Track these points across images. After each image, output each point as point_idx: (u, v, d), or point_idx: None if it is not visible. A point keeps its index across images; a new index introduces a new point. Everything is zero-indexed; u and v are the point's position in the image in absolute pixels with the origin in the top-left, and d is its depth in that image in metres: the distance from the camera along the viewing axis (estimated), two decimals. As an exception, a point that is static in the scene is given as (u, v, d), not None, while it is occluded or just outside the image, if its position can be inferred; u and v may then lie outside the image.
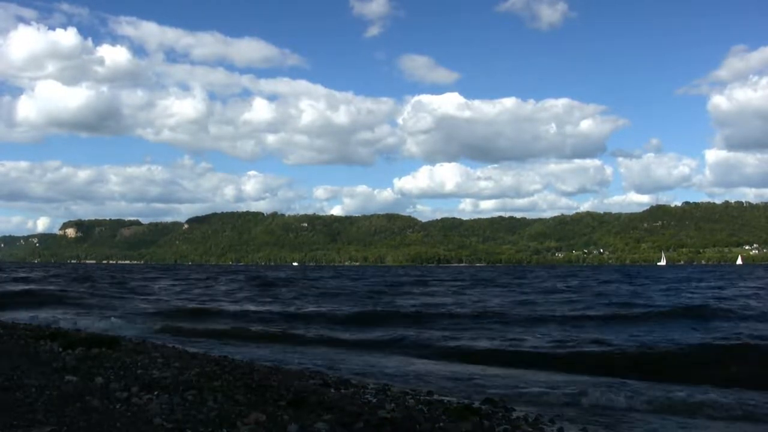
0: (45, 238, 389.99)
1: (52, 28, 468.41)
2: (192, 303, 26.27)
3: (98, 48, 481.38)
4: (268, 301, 27.73)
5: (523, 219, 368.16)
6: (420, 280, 53.14)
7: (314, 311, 22.11)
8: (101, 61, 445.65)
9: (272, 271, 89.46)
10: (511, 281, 51.99)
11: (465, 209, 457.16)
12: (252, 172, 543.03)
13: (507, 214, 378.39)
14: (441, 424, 6.09)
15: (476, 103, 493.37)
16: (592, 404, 8.33)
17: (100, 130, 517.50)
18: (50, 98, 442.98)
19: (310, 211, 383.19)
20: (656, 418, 7.72)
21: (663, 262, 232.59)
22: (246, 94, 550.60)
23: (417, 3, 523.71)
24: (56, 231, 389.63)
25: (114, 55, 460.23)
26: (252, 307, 23.88)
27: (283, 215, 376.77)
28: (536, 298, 28.48)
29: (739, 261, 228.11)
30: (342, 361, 11.72)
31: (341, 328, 17.48)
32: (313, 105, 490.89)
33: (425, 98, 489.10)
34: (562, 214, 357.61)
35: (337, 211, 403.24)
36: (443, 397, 7.98)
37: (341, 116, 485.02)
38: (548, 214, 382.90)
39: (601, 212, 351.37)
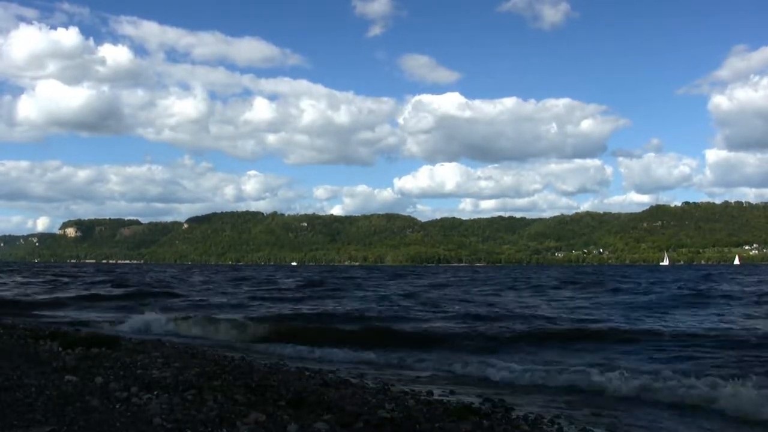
0: (45, 237, 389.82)
1: (53, 27, 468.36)
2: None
3: (99, 47, 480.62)
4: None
5: (523, 219, 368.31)
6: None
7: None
8: (102, 61, 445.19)
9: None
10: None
11: (465, 209, 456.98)
12: (252, 172, 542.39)
13: (507, 214, 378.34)
14: (441, 424, 6.10)
15: (477, 102, 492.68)
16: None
17: (101, 129, 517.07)
18: (51, 98, 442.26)
19: (310, 211, 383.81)
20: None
21: (666, 262, 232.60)
22: (246, 94, 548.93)
23: (419, 2, 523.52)
24: (56, 231, 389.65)
25: (115, 55, 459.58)
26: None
27: (282, 215, 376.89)
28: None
29: (736, 261, 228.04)
30: None
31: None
32: (314, 105, 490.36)
33: (426, 98, 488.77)
34: (562, 214, 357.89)
35: (337, 210, 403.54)
36: (443, 397, 7.98)
37: (342, 116, 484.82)
38: (548, 214, 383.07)
39: (601, 212, 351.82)
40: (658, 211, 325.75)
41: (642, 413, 7.88)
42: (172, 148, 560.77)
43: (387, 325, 17.45)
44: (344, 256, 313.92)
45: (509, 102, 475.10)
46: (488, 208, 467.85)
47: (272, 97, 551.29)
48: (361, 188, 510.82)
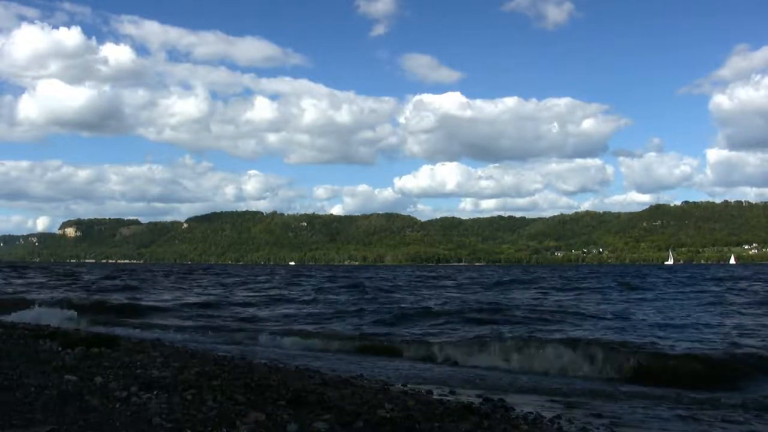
0: (44, 237, 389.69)
1: (55, 27, 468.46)
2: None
3: (101, 47, 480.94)
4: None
5: (523, 218, 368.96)
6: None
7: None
8: (105, 61, 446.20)
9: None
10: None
11: (465, 208, 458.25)
12: (253, 172, 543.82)
13: (506, 214, 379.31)
14: (440, 423, 6.09)
15: (478, 102, 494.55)
16: None
17: (102, 129, 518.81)
18: (52, 97, 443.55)
19: (310, 211, 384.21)
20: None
21: (670, 261, 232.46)
22: (248, 93, 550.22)
23: (423, 2, 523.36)
24: (56, 230, 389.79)
25: (117, 55, 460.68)
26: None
27: (282, 214, 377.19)
28: None
29: (732, 260, 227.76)
30: None
31: None
32: (315, 104, 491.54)
33: (427, 97, 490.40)
34: (562, 214, 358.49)
35: (337, 210, 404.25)
36: (443, 397, 7.98)
37: (343, 115, 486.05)
38: (548, 214, 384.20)
39: (601, 212, 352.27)
40: (657, 211, 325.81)
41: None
42: (173, 148, 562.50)
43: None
44: (344, 256, 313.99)
45: (510, 101, 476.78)
46: (488, 207, 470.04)
47: (273, 97, 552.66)
48: (362, 188, 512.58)
